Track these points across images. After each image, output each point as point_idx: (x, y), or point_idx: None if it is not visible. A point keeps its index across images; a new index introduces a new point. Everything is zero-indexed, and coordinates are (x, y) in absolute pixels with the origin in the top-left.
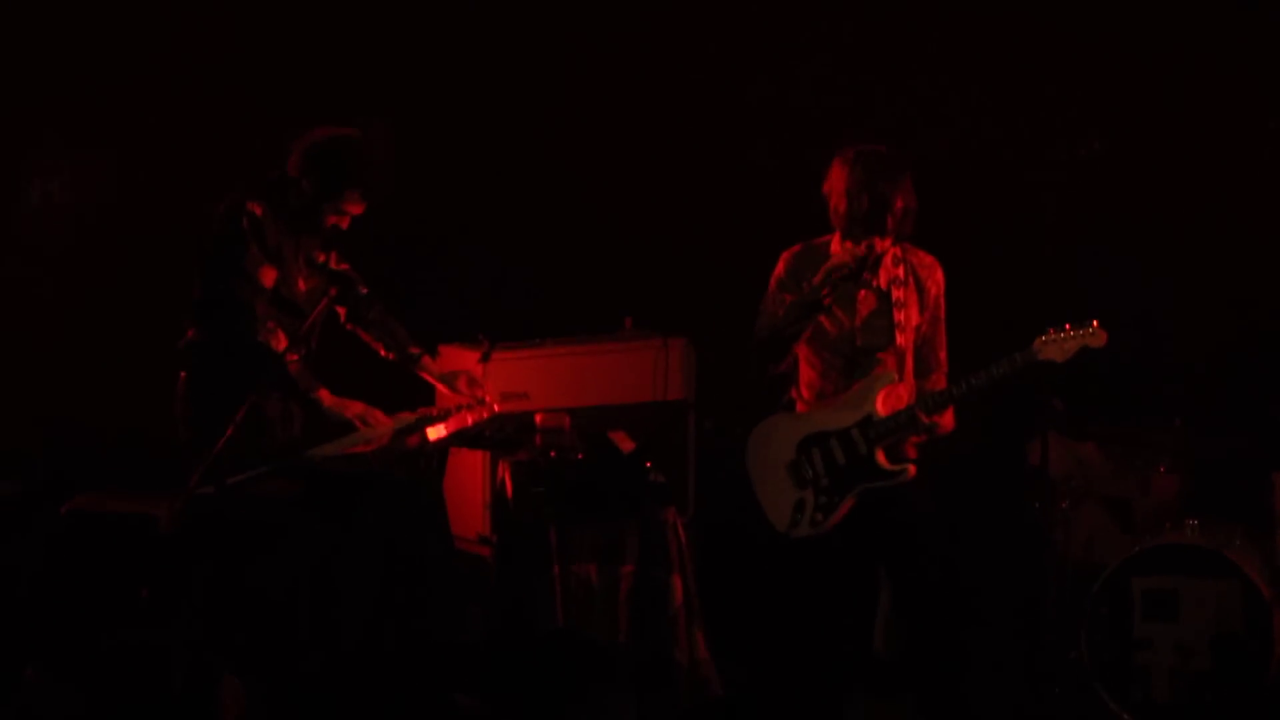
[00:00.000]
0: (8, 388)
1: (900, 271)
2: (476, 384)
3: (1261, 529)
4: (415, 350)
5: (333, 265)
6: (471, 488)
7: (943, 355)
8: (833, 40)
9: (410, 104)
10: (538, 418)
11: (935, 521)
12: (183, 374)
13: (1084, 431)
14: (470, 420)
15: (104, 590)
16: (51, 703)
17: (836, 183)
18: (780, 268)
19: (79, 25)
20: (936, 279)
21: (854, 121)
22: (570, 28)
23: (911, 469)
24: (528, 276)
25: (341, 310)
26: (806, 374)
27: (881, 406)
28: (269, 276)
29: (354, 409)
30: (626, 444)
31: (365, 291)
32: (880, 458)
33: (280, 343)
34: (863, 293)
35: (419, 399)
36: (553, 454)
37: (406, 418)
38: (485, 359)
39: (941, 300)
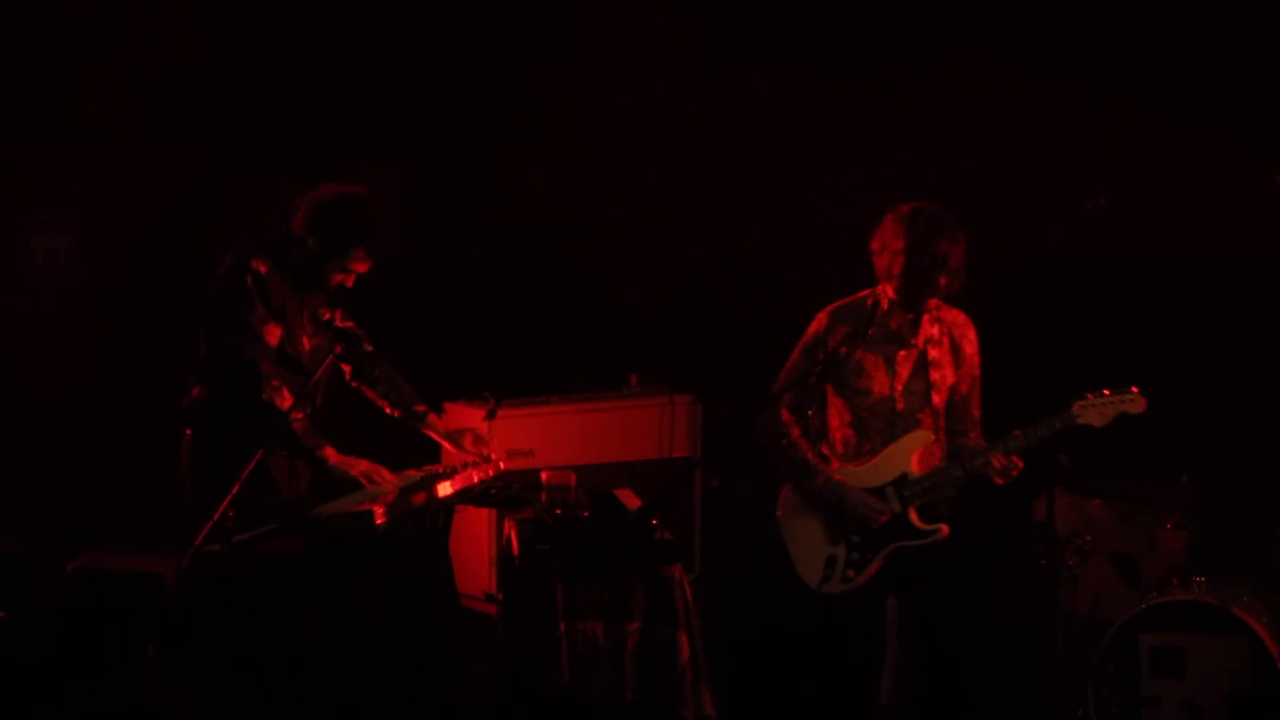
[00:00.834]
0: (14, 445)
1: (936, 331)
2: (482, 441)
3: (1269, 585)
4: (421, 408)
5: (338, 323)
6: (477, 546)
7: (976, 413)
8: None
9: (415, 157)
10: (543, 475)
11: (962, 593)
12: (188, 431)
13: (1090, 488)
14: (476, 478)
15: (110, 648)
16: None
17: (892, 240)
18: (820, 325)
19: (80, 77)
20: (970, 338)
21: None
22: (574, 79)
23: (944, 529)
24: (534, 334)
25: (347, 368)
26: (841, 430)
27: (917, 466)
28: (274, 334)
29: (359, 467)
30: (633, 501)
31: (370, 349)
32: (914, 516)
33: (285, 400)
34: (902, 353)
35: (425, 457)
36: (559, 511)
37: (412, 475)
38: (491, 416)
39: (977, 359)
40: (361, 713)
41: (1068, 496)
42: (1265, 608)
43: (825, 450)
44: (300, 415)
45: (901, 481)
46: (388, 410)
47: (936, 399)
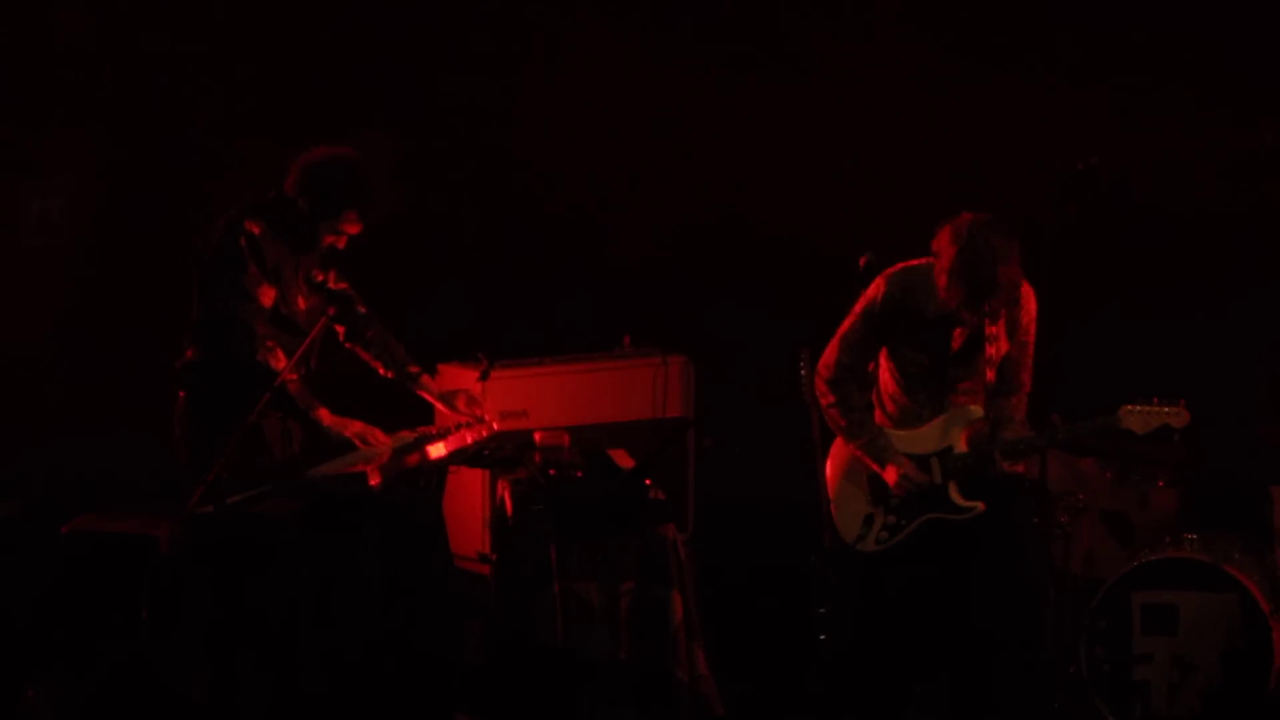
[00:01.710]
0: (7, 408)
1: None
2: (475, 402)
3: (1260, 543)
4: (414, 369)
5: (331, 284)
6: (471, 506)
7: (1025, 377)
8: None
9: (410, 120)
10: (537, 436)
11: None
12: (182, 393)
13: (1083, 447)
14: (470, 439)
15: (104, 611)
16: None
17: (944, 258)
18: (878, 292)
19: (78, 42)
20: (1029, 308)
21: (847, 139)
22: (570, 45)
23: (981, 505)
24: (527, 294)
25: (340, 329)
26: (890, 386)
27: (964, 443)
28: (268, 296)
29: (353, 428)
30: (626, 461)
31: (364, 310)
32: (953, 491)
33: (279, 362)
34: (958, 330)
35: (418, 418)
36: (552, 472)
37: (406, 436)
38: (484, 377)
39: (1032, 327)
40: (356, 673)
41: (1060, 455)
42: (1257, 565)
43: (873, 399)
44: (294, 376)
45: (946, 455)
46: (381, 371)
47: (990, 373)
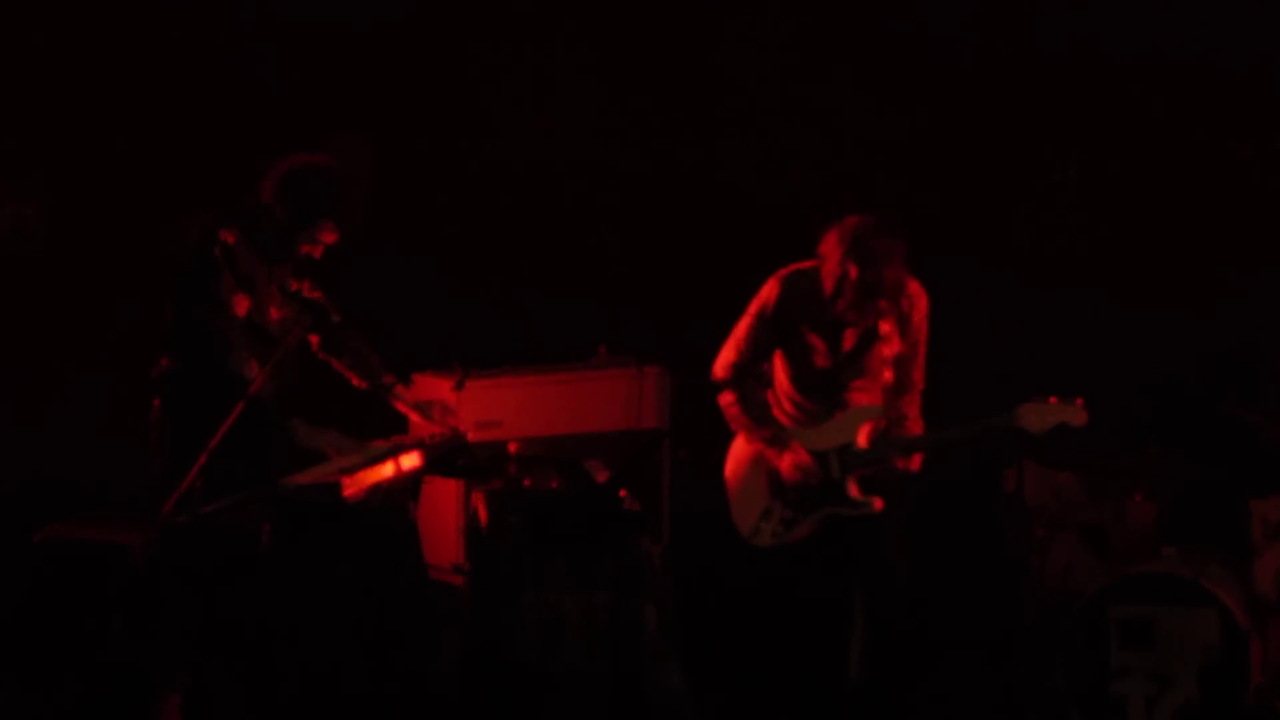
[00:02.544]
0: None
1: (884, 305)
2: (450, 412)
3: (1238, 557)
4: (388, 379)
5: (306, 293)
6: (445, 516)
7: (917, 375)
8: (808, 64)
9: (385, 129)
10: (512, 446)
11: (900, 564)
12: (156, 402)
13: (1060, 459)
14: (444, 449)
15: (76, 620)
16: None
17: (830, 260)
18: (771, 294)
19: (54, 46)
20: (920, 307)
21: (830, 145)
22: (549, 58)
23: (878, 503)
24: (502, 304)
25: (314, 338)
26: (785, 387)
27: (862, 439)
28: (242, 305)
29: (327, 438)
30: (601, 472)
31: (338, 320)
32: (851, 487)
33: (253, 371)
34: (849, 331)
35: (392, 428)
36: (527, 483)
37: (380, 446)
38: (459, 387)
39: (924, 326)
40: (329, 684)
41: (1037, 468)
42: (1235, 580)
43: (770, 399)
44: (269, 386)
45: (845, 450)
46: (355, 381)
47: (887, 374)
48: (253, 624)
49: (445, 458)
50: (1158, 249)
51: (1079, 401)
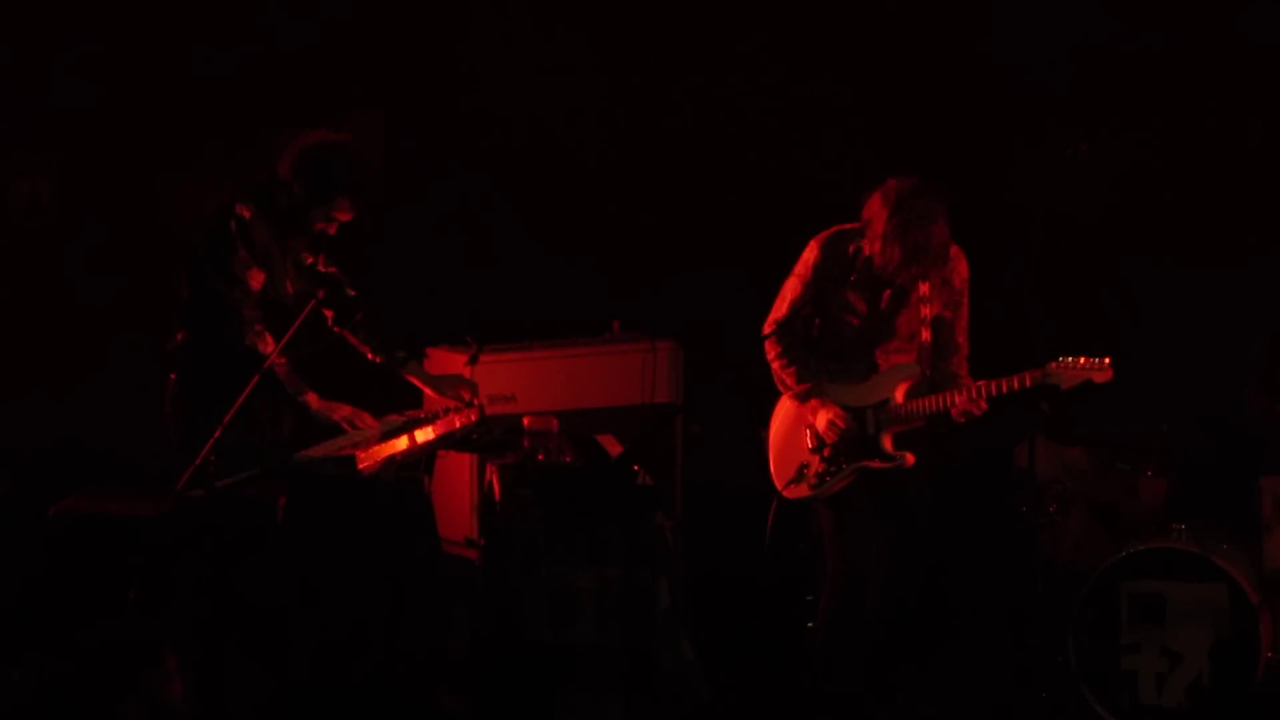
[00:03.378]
0: None
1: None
2: (464, 386)
3: (1248, 533)
4: (403, 353)
5: (320, 268)
6: (459, 491)
7: (961, 339)
8: (817, 44)
9: (401, 105)
10: (525, 421)
11: (922, 519)
12: (172, 376)
13: (1071, 435)
14: (458, 423)
15: (92, 592)
16: (39, 704)
17: (876, 223)
18: (811, 255)
19: (67, 23)
20: (960, 271)
21: (836, 123)
22: (560, 32)
23: (910, 457)
24: (516, 279)
25: (329, 313)
26: (826, 345)
27: (900, 395)
28: (257, 279)
29: (342, 411)
30: (614, 447)
31: (353, 294)
32: (886, 441)
33: (268, 345)
34: (887, 292)
35: (407, 402)
36: (540, 457)
37: (394, 420)
38: (473, 362)
39: (965, 289)
40: (343, 657)
41: (1049, 444)
42: (1245, 556)
43: (814, 361)
44: (283, 360)
45: (881, 406)
46: (370, 356)
47: (925, 334)
48: (267, 598)
49: (459, 432)
50: (1172, 222)
51: (1106, 360)
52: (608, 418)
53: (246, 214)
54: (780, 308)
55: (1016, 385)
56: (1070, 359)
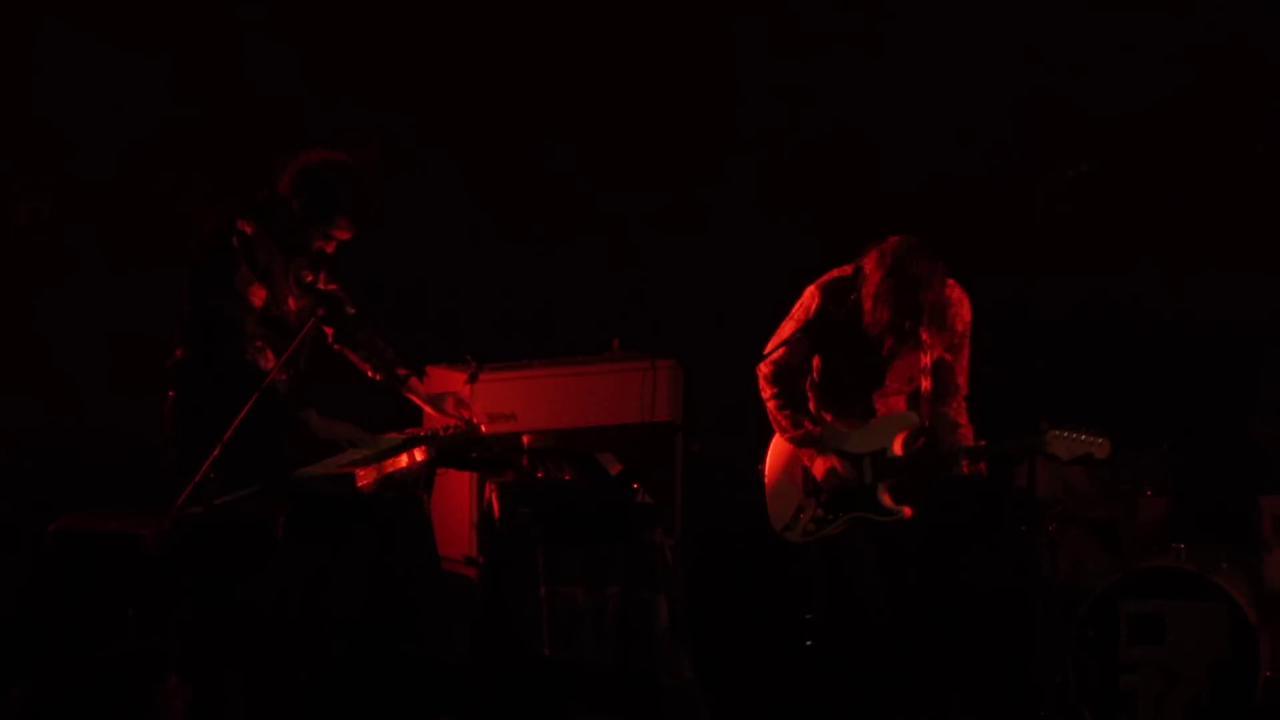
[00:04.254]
0: None
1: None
2: (464, 405)
3: (1248, 553)
4: (403, 371)
5: (321, 285)
6: (458, 508)
7: (961, 379)
8: (819, 62)
9: (400, 124)
10: (525, 439)
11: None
12: (171, 393)
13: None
14: (458, 441)
15: (91, 610)
16: None
17: (870, 281)
18: (811, 302)
19: (71, 40)
20: (963, 316)
21: (836, 143)
22: (558, 51)
23: (907, 510)
24: (516, 298)
25: (329, 330)
26: (824, 388)
27: (898, 446)
28: (258, 296)
29: (341, 429)
30: (614, 465)
31: (353, 311)
32: (883, 493)
33: (269, 362)
34: (889, 340)
35: (406, 419)
36: (540, 475)
37: (394, 438)
38: (473, 380)
39: (967, 331)
40: (342, 675)
41: (1048, 463)
42: (1244, 576)
43: (810, 392)
44: (283, 377)
45: (879, 456)
46: (370, 373)
47: (925, 382)
48: (266, 615)
49: (459, 450)
50: (1171, 244)
51: (1105, 440)
52: (607, 436)
53: (248, 230)
54: (778, 350)
55: (1011, 450)
56: (1069, 433)
